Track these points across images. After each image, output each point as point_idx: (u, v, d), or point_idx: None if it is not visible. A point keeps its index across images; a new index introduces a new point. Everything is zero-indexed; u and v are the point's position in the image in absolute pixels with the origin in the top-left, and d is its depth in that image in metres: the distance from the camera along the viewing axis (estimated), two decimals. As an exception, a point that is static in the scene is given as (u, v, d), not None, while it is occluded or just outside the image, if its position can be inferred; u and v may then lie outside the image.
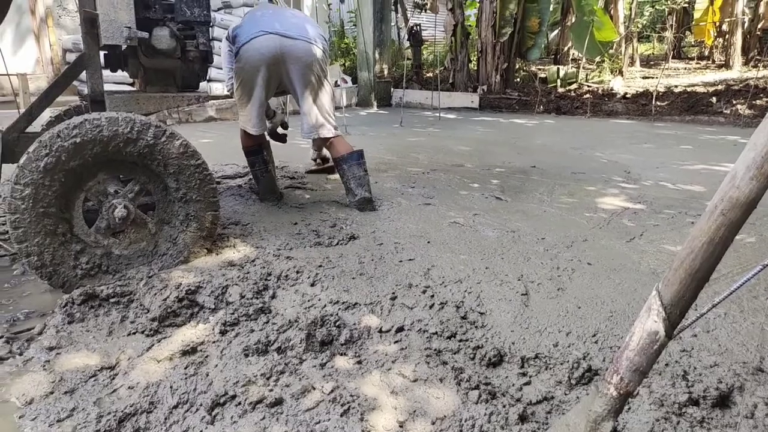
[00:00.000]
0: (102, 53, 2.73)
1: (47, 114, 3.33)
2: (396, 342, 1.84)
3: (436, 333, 1.86)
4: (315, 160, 4.36)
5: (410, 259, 2.46)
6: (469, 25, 12.51)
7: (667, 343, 1.08)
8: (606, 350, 1.78)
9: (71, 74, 2.72)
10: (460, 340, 1.83)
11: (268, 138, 3.64)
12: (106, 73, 2.68)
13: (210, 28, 2.81)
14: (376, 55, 10.74)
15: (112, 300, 2.09)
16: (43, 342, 1.88)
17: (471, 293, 2.13)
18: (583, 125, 8.28)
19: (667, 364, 1.69)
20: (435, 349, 1.78)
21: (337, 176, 3.68)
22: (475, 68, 11.83)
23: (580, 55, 11.91)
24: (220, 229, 2.73)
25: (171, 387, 1.60)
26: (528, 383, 1.66)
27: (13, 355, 1.84)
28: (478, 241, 2.74)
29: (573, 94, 10.98)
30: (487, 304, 2.06)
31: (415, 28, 12.82)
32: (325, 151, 4.23)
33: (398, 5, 15.21)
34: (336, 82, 9.65)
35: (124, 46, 2.66)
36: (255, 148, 3.46)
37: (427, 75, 13.18)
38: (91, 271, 2.23)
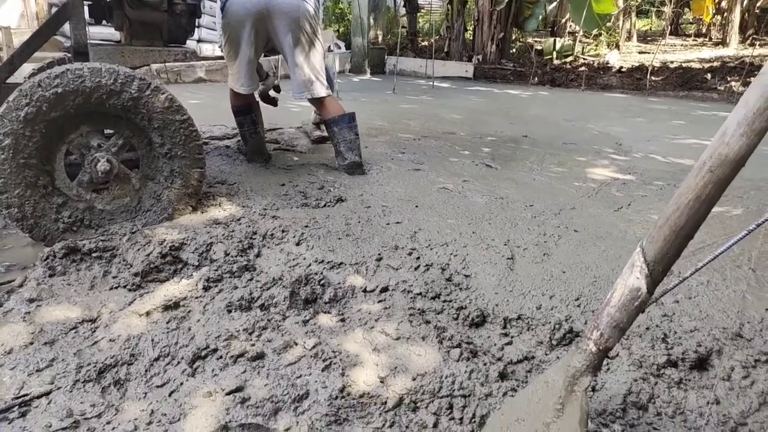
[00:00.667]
0: (86, 4, 2.65)
1: (29, 68, 3.24)
2: (380, 302, 1.84)
3: (421, 294, 1.86)
4: (318, 125, 4.10)
5: (397, 222, 2.45)
6: (466, -7, 12.29)
7: (648, 300, 1.08)
8: (588, 314, 1.79)
9: (54, 24, 2.62)
10: (444, 301, 1.84)
11: (258, 99, 3.58)
12: (94, 29, 2.60)
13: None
14: (371, 21, 10.55)
15: (94, 254, 2.06)
16: (23, 294, 1.86)
17: (457, 256, 2.13)
18: (577, 98, 8.23)
19: (647, 328, 1.71)
20: (418, 309, 1.78)
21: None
22: (471, 38, 11.67)
23: (577, 27, 11.77)
24: (206, 187, 2.69)
25: (152, 340, 1.59)
26: (509, 343, 1.67)
27: (-7, 306, 1.82)
28: (466, 207, 2.72)
29: (568, 66, 10.89)
30: (473, 267, 2.06)
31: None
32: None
33: (395, -30, 14.89)
34: (329, 47, 9.47)
35: (107, -4, 2.58)
36: (244, 108, 3.40)
37: (422, 43, 13.00)
38: (74, 225, 2.19)
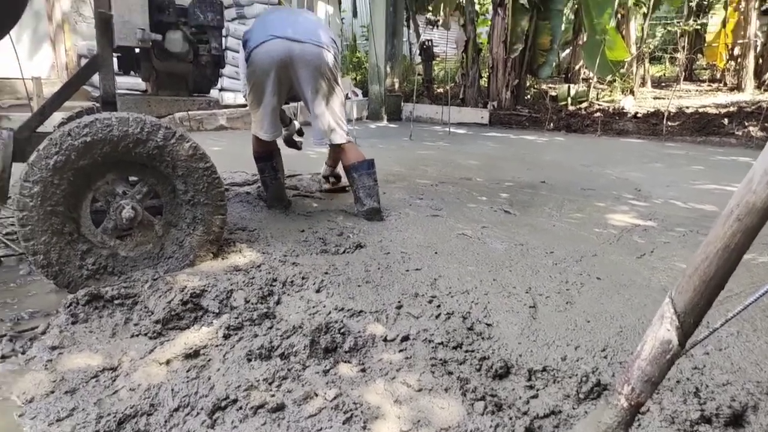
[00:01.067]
0: (115, 55, 2.76)
1: (59, 116, 3.35)
2: (401, 351, 1.81)
3: (442, 343, 1.83)
4: (327, 177, 4.10)
5: (417, 269, 2.44)
6: (481, 42, 12.58)
7: (680, 352, 1.05)
8: (615, 365, 1.74)
9: (84, 75, 2.73)
10: (467, 351, 1.80)
11: (280, 146, 3.65)
12: (120, 79, 2.70)
13: (223, 35, 2.81)
14: (388, 69, 10.80)
15: (116, 301, 2.08)
16: (46, 341, 1.86)
17: (478, 304, 2.10)
18: (593, 143, 8.26)
19: (678, 381, 1.65)
20: (440, 359, 1.75)
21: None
22: (486, 84, 11.87)
23: (591, 74, 11.92)
24: (226, 234, 2.72)
25: (172, 390, 1.57)
26: (535, 396, 1.63)
27: (16, 353, 1.83)
28: (486, 253, 2.71)
29: (583, 112, 10.97)
30: (495, 315, 2.03)
31: (426, 43, 12.91)
32: (339, 169, 4.09)
33: (410, 21, 15.33)
34: (347, 94, 9.70)
35: (137, 49, 2.68)
36: (265, 155, 3.46)
37: (438, 90, 13.24)
38: (97, 272, 2.22)
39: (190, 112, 7.59)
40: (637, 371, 1.08)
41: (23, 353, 1.83)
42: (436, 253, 2.68)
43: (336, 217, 3.27)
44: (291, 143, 3.91)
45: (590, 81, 12.44)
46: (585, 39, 11.54)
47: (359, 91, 11.19)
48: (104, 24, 2.43)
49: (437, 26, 16.63)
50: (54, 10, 8.21)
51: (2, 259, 2.66)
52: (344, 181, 3.87)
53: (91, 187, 2.21)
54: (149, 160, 2.25)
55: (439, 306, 2.07)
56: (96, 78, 2.60)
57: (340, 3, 15.48)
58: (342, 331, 1.87)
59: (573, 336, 1.90)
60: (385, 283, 2.26)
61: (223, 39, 3.08)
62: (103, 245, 2.26)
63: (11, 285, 2.39)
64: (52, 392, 1.61)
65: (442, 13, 13.43)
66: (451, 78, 12.14)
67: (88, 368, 1.72)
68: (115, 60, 2.75)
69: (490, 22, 12.07)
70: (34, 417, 1.50)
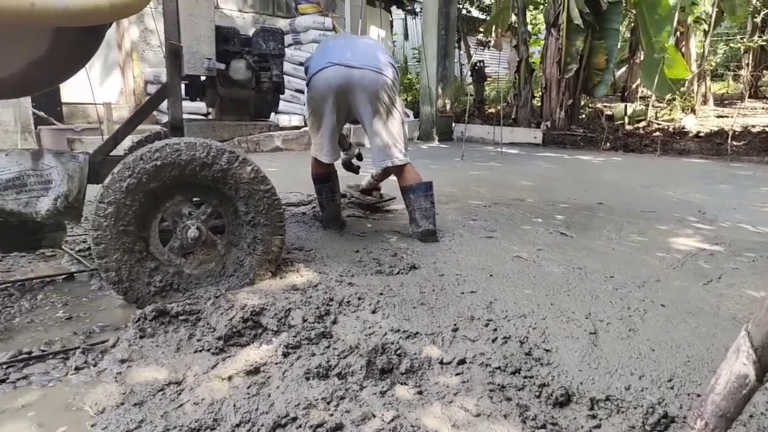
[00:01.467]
0: (183, 83, 2.90)
1: (129, 140, 3.54)
2: (457, 374, 1.80)
3: (500, 368, 1.81)
4: (369, 191, 4.22)
5: (472, 292, 2.42)
6: (533, 62, 12.48)
7: (757, 387, 1.00)
8: (683, 397, 1.67)
9: (155, 102, 2.88)
10: (525, 377, 1.77)
11: (338, 168, 3.72)
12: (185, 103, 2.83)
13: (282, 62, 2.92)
14: (439, 90, 10.86)
15: (181, 317, 2.16)
16: (116, 354, 1.95)
17: (536, 329, 2.07)
18: (652, 163, 8.01)
19: (751, 416, 1.57)
20: (498, 384, 1.72)
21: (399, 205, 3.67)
22: (539, 104, 11.74)
23: (649, 92, 11.60)
24: (284, 253, 2.78)
25: (234, 405, 1.62)
26: (598, 426, 1.58)
27: (89, 365, 1.92)
28: (543, 277, 2.66)
29: (641, 131, 10.67)
30: (553, 341, 1.99)
31: (478, 64, 12.93)
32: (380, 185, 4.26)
33: (462, 42, 15.42)
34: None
35: (203, 77, 2.81)
36: (323, 176, 3.54)
37: (489, 110, 13.20)
38: (164, 289, 2.31)
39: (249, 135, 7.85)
40: (711, 406, 1.04)
41: (95, 365, 1.93)
42: (491, 275, 2.65)
43: (390, 238, 3.29)
44: (349, 167, 3.99)
45: (648, 99, 12.11)
46: (642, 57, 11.28)
47: (410, 112, 11.29)
48: (174, 54, 2.56)
49: (488, 47, 16.65)
50: (124, 40, 8.73)
51: (75, 274, 2.82)
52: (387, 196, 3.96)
53: (160, 208, 2.32)
54: (214, 183, 2.34)
55: (495, 330, 2.05)
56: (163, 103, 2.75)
57: (392, 26, 15.77)
58: (398, 352, 1.88)
59: (637, 365, 1.83)
60: (440, 306, 2.26)
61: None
62: (170, 263, 2.36)
63: (83, 299, 2.53)
64: (122, 404, 1.68)
65: (493, 34, 13.43)
66: (503, 98, 12.07)
67: (155, 381, 1.79)
68: (182, 87, 2.90)
69: (542, 42, 12.00)
70: (106, 427, 1.57)
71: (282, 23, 10.25)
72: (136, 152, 2.24)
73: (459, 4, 12.64)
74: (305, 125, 9.09)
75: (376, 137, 3.25)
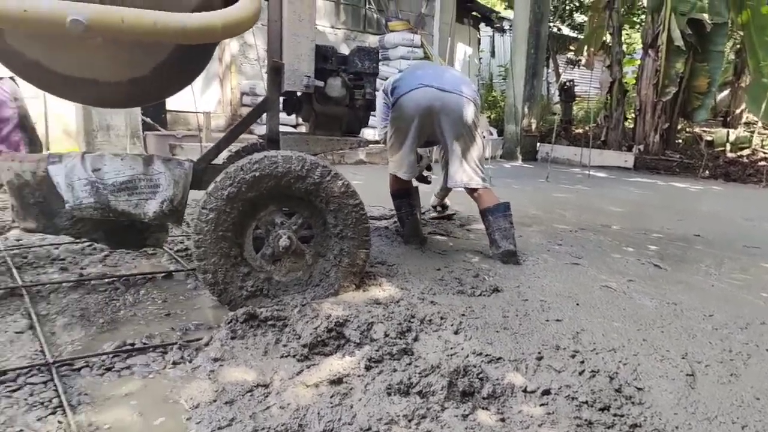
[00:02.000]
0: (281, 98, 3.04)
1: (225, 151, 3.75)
2: (542, 405, 1.75)
3: (587, 402, 1.74)
4: (435, 207, 4.49)
5: (557, 320, 2.35)
6: (626, 83, 12.00)
7: None
8: (793, 454, 1.54)
9: (255, 115, 3.05)
10: (615, 415, 1.70)
11: (417, 184, 3.78)
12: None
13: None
14: (525, 109, 10.69)
15: (269, 322, 2.24)
16: (209, 353, 2.06)
17: (626, 365, 1.98)
18: (757, 194, 7.45)
19: None
20: (585, 420, 1.66)
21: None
22: (631, 127, 11.26)
23: (755, 118, 10.83)
24: (367, 267, 2.83)
25: (318, 413, 1.66)
26: (694, 476, 1.48)
27: (184, 361, 2.04)
28: (634, 310, 2.54)
29: (746, 160, 9.96)
30: (646, 379, 1.89)
31: (567, 83, 12.60)
32: (447, 200, 4.47)
33: (551, 61, 15.10)
34: (482, 133, 9.74)
35: (299, 93, 2.93)
36: (403, 192, 3.60)
37: (577, 131, 12.81)
38: (254, 294, 2.42)
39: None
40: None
41: (190, 361, 2.04)
42: (577, 304, 2.57)
43: (471, 258, 3.27)
44: (421, 178, 4.06)
45: (754, 126, 11.30)
46: (749, 81, 10.55)
47: (494, 131, 11.18)
48: (275, 71, 2.70)
49: (578, 66, 16.20)
50: (224, 53, 9.26)
51: (173, 273, 3.01)
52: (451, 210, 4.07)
53: (255, 217, 2.43)
54: (306, 195, 2.43)
55: (582, 362, 1.98)
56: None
57: (479, 43, 15.73)
58: (480, 376, 1.86)
59: (739, 413, 1.71)
60: (523, 332, 2.22)
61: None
62: (261, 269, 2.46)
63: (180, 297, 2.69)
64: (214, 401, 1.77)
65: (585, 53, 13.06)
66: (593, 119, 11.68)
67: (245, 382, 1.88)
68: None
69: (637, 63, 11.53)
70: (199, 422, 1.66)
71: (372, 39, 10.50)
72: (238, 163, 2.37)
73: (550, 22, 12.39)
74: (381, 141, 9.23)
75: (456, 160, 3.31)
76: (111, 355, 2.03)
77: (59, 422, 1.61)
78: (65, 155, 2.41)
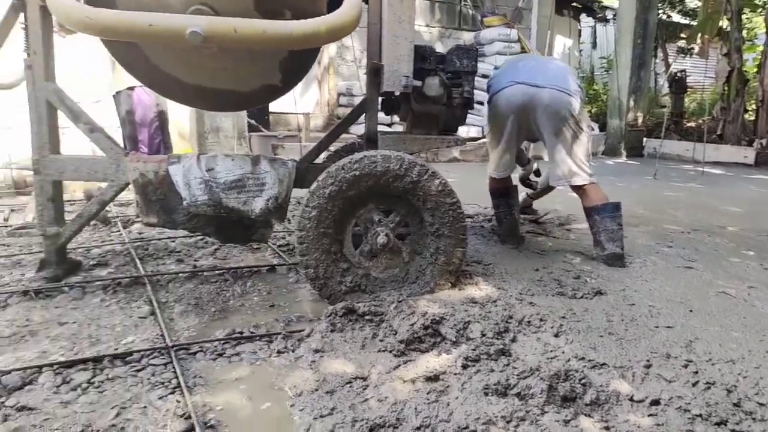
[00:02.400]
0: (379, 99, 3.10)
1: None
2: (650, 415, 1.66)
3: (701, 416, 1.63)
4: (524, 209, 4.18)
5: (668, 327, 2.22)
6: (746, 71, 10.98)
7: None
8: None
9: (354, 116, 3.13)
10: (733, 431, 1.58)
11: (516, 183, 3.70)
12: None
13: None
14: (631, 103, 10.11)
15: (366, 317, 2.30)
16: (310, 344, 2.15)
17: (747, 378, 1.83)
18: None
19: None
20: (699, 434, 1.56)
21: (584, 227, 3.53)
22: (752, 119, 10.30)
23: None
24: (464, 265, 2.82)
25: (415, 408, 1.69)
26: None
27: (288, 350, 2.15)
28: (756, 319, 2.34)
29: None
30: (770, 394, 1.74)
31: (678, 74, 11.76)
32: (535, 205, 4.27)
33: (659, 50, 14.15)
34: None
35: (397, 93, 2.97)
36: (501, 191, 3.54)
37: (688, 125, 11.92)
38: (353, 289, 2.49)
39: (427, 145, 8.12)
40: None
41: (293, 351, 2.15)
42: (690, 311, 2.40)
43: (572, 259, 3.16)
44: (526, 182, 3.96)
45: None
46: None
47: (595, 126, 10.67)
48: (375, 72, 2.75)
49: (690, 55, 15.06)
50: (322, 56, 9.56)
51: (276, 267, 3.17)
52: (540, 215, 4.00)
53: (355, 214, 2.51)
54: (404, 193, 2.47)
55: (696, 372, 1.85)
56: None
57: (579, 35, 15.08)
58: (583, 381, 1.80)
59: None
60: (630, 337, 2.11)
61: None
62: (359, 266, 2.53)
63: (283, 290, 2.83)
64: (316, 390, 1.85)
65: (698, 41, 12.11)
66: (707, 111, 10.81)
67: (344, 374, 1.94)
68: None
69: (759, 49, 10.53)
70: (303, 409, 1.74)
71: (467, 36, 10.40)
72: (339, 162, 2.45)
73: (659, 9, 11.61)
74: (482, 137, 9.11)
75: (558, 158, 3.19)
76: (222, 342, 2.18)
77: (177, 401, 1.75)
78: (183, 156, 2.62)
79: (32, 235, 3.71)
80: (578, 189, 3.22)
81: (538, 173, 3.97)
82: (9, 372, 1.87)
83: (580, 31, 15.15)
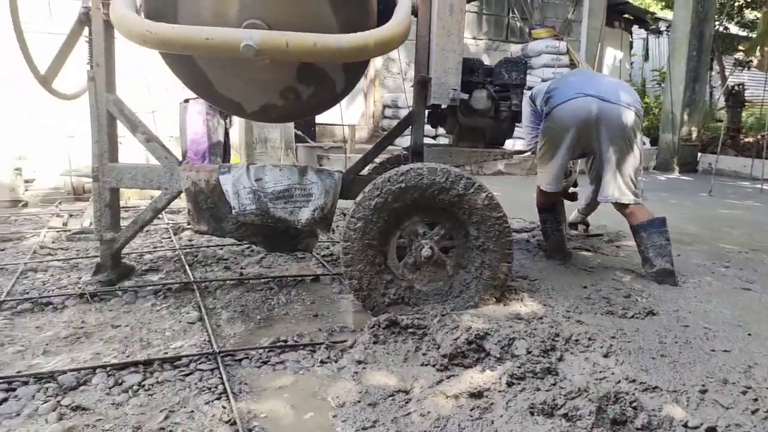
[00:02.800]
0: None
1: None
2: (706, 443, 1.59)
3: (762, 446, 1.55)
4: (576, 224, 4.28)
5: (725, 351, 2.12)
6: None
7: None
8: None
9: (400, 128, 3.14)
10: (797, 464, 1.49)
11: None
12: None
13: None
14: (684, 117, 9.78)
15: (409, 330, 2.29)
16: (353, 355, 2.15)
17: (813, 409, 1.72)
18: None
19: None
20: (760, 466, 1.48)
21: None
22: (818, 134, 9.79)
23: None
24: (509, 281, 2.78)
25: (459, 425, 1.66)
26: None
27: (331, 360, 2.16)
28: (822, 346, 2.21)
29: None
30: (839, 427, 1.63)
31: (736, 87, 11.33)
32: (588, 218, 4.24)
33: (714, 63, 13.67)
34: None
35: (444, 106, 2.96)
36: (549, 206, 3.47)
37: (746, 140, 11.44)
38: (396, 301, 2.48)
39: (471, 158, 8.06)
40: None
41: (336, 362, 2.15)
42: (749, 334, 2.29)
43: (622, 277, 3.06)
44: (567, 194, 3.88)
45: None
46: None
47: (647, 140, 10.36)
48: (422, 85, 2.76)
49: (749, 68, 14.47)
50: (369, 68, 9.66)
51: (320, 277, 3.19)
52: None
53: (399, 226, 2.51)
54: (449, 206, 2.45)
55: (756, 400, 1.76)
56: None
57: (631, 47, 14.72)
58: (634, 404, 1.73)
59: None
60: (684, 361, 2.03)
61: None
62: (403, 278, 2.53)
63: (326, 300, 2.85)
64: (359, 402, 1.85)
65: (757, 53, 11.64)
66: (766, 126, 10.34)
67: (386, 386, 1.93)
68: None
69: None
70: (345, 420, 1.74)
71: (514, 49, 10.31)
72: (385, 174, 2.46)
73: (716, 21, 11.21)
74: (529, 151, 8.96)
75: (610, 174, 3.13)
76: (267, 350, 2.21)
77: (223, 407, 1.78)
78: (233, 166, 2.68)
79: (89, 239, 3.87)
80: (624, 207, 3.15)
81: (576, 184, 3.92)
82: (65, 372, 1.95)
83: (631, 43, 14.79)
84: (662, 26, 14.74)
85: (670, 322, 2.40)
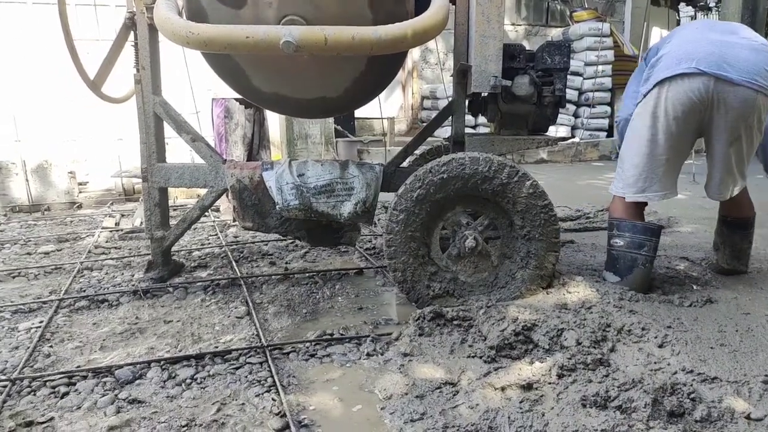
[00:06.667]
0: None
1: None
2: (772, 437, 1.51)
3: (834, 440, 1.46)
4: None
5: (790, 339, 2.01)
6: None
7: None
8: None
9: (441, 118, 3.11)
10: None
11: None
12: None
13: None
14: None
15: (455, 322, 2.27)
16: (399, 347, 2.15)
17: None
18: None
19: None
20: (833, 461, 1.40)
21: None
22: None
23: None
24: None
25: (509, 417, 1.64)
26: None
27: (377, 353, 2.16)
28: None
29: None
30: None
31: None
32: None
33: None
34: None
35: (485, 93, 2.91)
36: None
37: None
38: (441, 293, 2.47)
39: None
40: None
41: (382, 354, 2.16)
42: (817, 323, 2.17)
43: (677, 265, 2.95)
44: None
45: None
46: None
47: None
48: (462, 74, 2.72)
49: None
50: (406, 60, 9.62)
51: (364, 270, 3.20)
52: None
53: (442, 218, 2.48)
54: (493, 196, 2.41)
55: (826, 392, 1.66)
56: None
57: (678, 25, 14.14)
58: (692, 396, 1.67)
59: None
60: (745, 350, 1.93)
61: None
62: (447, 270, 2.50)
63: (370, 293, 2.86)
64: (406, 394, 1.84)
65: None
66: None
67: (433, 379, 1.92)
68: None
69: None
70: (393, 413, 1.74)
71: (555, 33, 10.06)
72: (426, 165, 2.44)
73: (770, -7, 10.64)
74: (572, 137, 8.71)
75: (723, 168, 2.52)
76: (313, 343, 2.24)
77: (273, 399, 1.81)
78: (276, 162, 2.72)
79: (140, 238, 4.00)
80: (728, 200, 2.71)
81: None
82: (122, 366, 2.03)
83: (678, 21, 14.19)
84: (711, 2, 14.09)
85: (730, 311, 2.29)
